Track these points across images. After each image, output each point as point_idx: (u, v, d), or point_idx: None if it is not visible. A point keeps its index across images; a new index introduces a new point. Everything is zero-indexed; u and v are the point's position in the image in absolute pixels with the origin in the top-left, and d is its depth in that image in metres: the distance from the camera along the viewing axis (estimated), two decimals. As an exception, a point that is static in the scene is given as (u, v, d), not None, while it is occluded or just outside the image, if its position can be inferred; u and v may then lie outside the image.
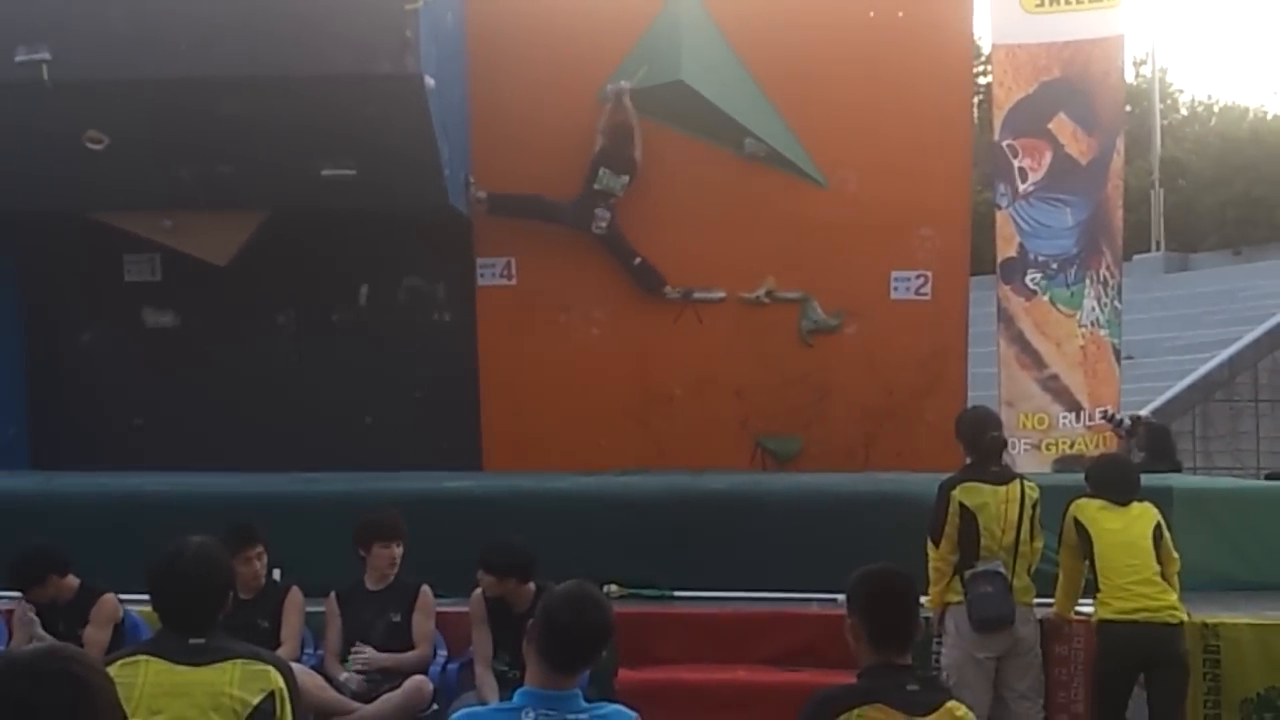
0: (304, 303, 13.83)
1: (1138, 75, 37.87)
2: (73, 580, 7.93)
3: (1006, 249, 13.59)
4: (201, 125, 11.71)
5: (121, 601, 7.91)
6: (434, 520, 9.18)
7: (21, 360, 13.98)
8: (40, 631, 7.75)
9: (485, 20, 13.16)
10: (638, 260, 13.36)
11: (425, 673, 8.12)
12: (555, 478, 11.15)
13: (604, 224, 13.13)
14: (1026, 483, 7.97)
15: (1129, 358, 16.42)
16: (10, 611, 8.19)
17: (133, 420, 13.60)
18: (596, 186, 13.04)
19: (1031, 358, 13.51)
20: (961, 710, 4.25)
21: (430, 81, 11.58)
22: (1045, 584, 8.27)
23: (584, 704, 4.05)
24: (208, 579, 4.34)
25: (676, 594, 9.42)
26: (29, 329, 14.02)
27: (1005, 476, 7.94)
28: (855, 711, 4.14)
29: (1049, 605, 8.30)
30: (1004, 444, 8.44)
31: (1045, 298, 13.51)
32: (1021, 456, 13.02)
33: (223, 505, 9.45)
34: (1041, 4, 13.47)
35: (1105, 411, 13.44)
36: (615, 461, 12.66)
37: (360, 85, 11.46)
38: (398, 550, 8.24)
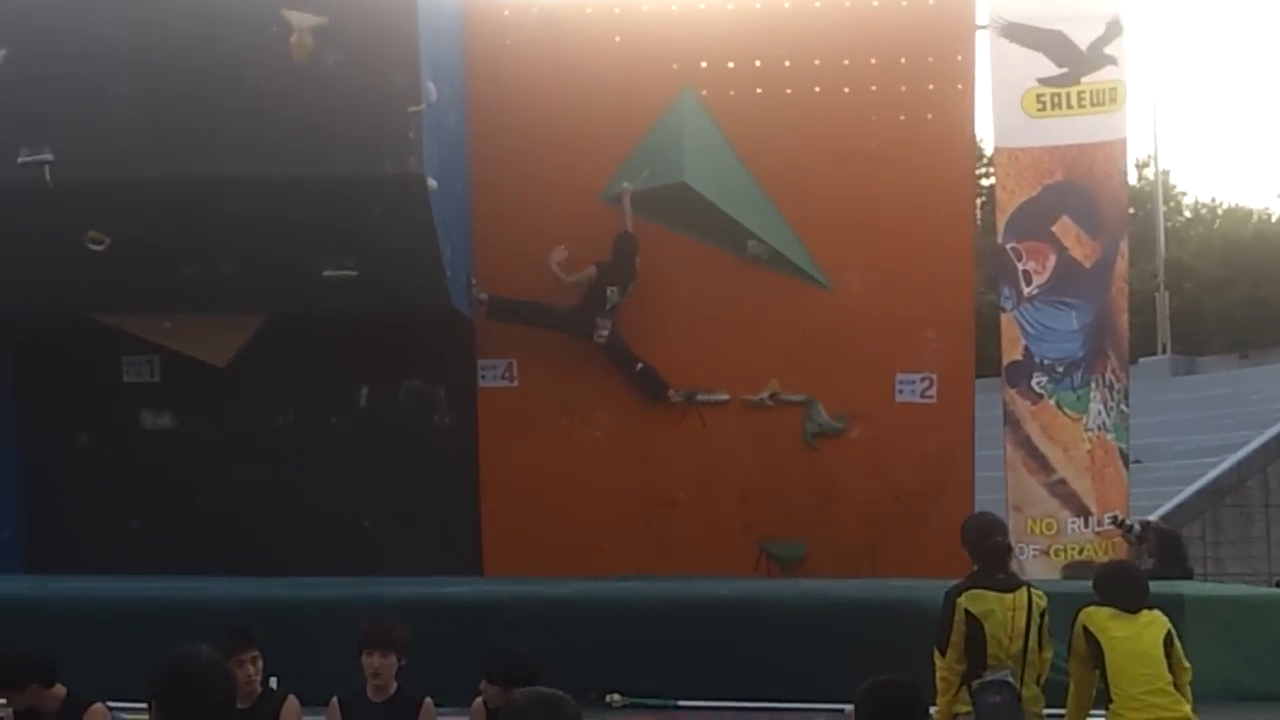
0: (303, 405, 13.75)
1: (1140, 178, 38.04)
2: (59, 690, 7.74)
3: (1012, 352, 13.53)
4: (203, 225, 11.71)
5: (111, 709, 7.73)
6: (434, 626, 9.04)
7: (17, 461, 13.87)
8: None
9: (488, 121, 13.19)
10: (639, 366, 13.30)
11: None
12: (557, 583, 11.01)
13: (605, 333, 13.09)
14: (1034, 590, 7.82)
15: (1137, 462, 16.31)
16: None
17: (129, 522, 13.45)
18: (608, 306, 13.00)
19: (1038, 462, 13.40)
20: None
21: (433, 183, 11.58)
22: (1055, 694, 8.09)
23: None
24: (220, 684, 4.22)
25: (680, 703, 9.25)
26: (25, 429, 13.92)
27: (1012, 584, 7.79)
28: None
29: (1060, 716, 8.11)
30: (1010, 550, 8.29)
31: (1051, 401, 13.42)
32: (1030, 562, 12.87)
33: (219, 610, 9.33)
34: (1044, 108, 13.51)
35: (1115, 517, 13.30)
36: (618, 566, 12.51)
37: (363, 186, 11.47)
38: (383, 661, 8.01)
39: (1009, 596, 7.68)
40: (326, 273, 11.97)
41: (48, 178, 11.41)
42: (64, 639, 8.57)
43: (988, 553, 7.80)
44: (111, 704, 7.73)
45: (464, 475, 13.40)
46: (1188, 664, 7.81)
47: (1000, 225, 13.67)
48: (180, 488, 13.45)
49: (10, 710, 7.73)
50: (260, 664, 7.93)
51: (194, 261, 12.08)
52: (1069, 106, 13.50)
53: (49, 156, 11.44)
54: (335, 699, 8.11)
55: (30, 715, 7.71)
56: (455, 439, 13.56)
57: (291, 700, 8.00)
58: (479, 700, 7.78)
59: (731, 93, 13.46)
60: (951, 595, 7.70)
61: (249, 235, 11.81)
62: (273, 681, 8.11)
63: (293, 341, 13.23)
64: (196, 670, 4.19)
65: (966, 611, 7.61)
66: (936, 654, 7.71)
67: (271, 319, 13.05)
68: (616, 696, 9.01)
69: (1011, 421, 13.51)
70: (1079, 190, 13.57)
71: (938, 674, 7.68)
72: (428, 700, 8.07)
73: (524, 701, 3.99)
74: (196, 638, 4.51)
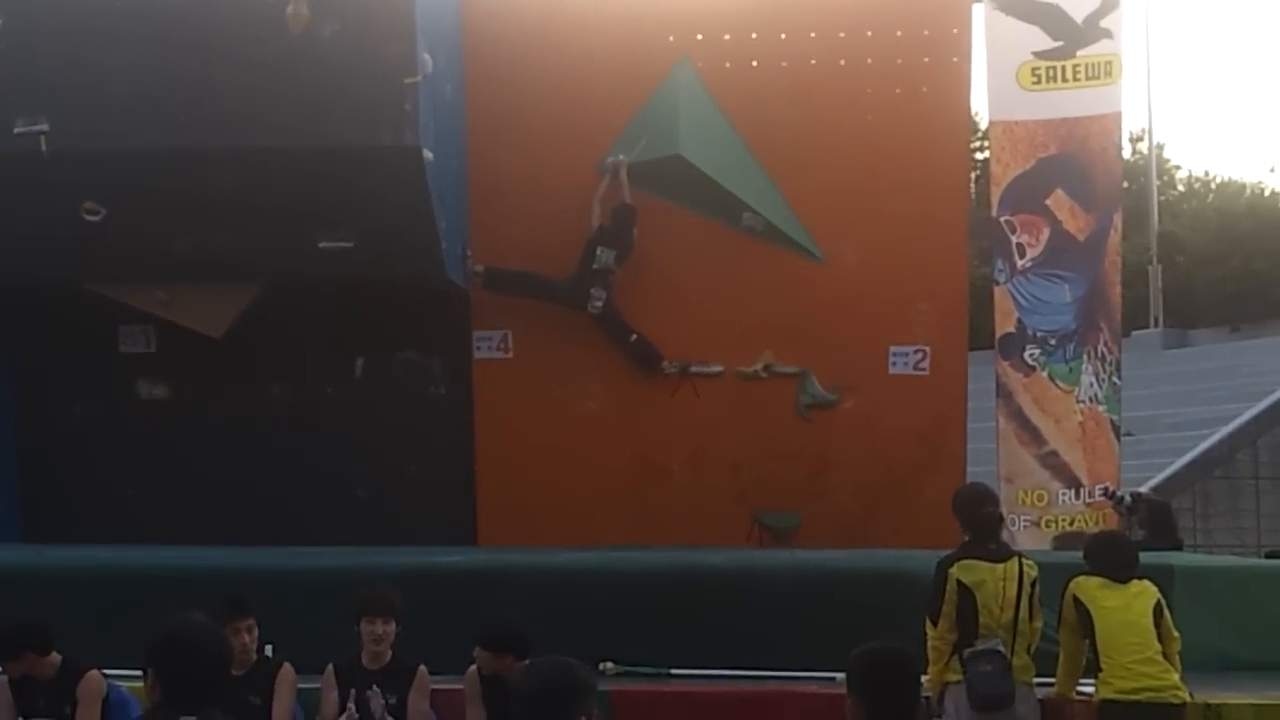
0: (299, 375, 13.77)
1: (1134, 151, 38.04)
2: (55, 658, 7.80)
3: (1005, 324, 13.58)
4: (199, 196, 11.72)
5: (108, 677, 7.80)
6: (429, 596, 9.09)
7: (13, 431, 13.90)
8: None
9: (484, 93, 13.20)
10: (634, 337, 13.33)
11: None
12: (551, 553, 11.06)
13: (599, 303, 13.11)
14: (1025, 560, 7.89)
15: (1128, 434, 16.38)
16: (-2, 684, 8.07)
17: (125, 492, 13.48)
18: (595, 266, 13.02)
19: (1030, 434, 13.45)
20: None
21: (428, 154, 11.60)
22: (1045, 663, 8.17)
23: None
24: (216, 650, 4.26)
25: (673, 671, 9.31)
26: (21, 399, 13.95)
27: (1003, 554, 7.86)
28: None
29: (1050, 685, 8.19)
30: (1001, 520, 8.37)
31: (1044, 374, 13.47)
32: (1021, 533, 12.94)
33: (216, 579, 9.37)
34: (1039, 81, 13.53)
35: (1106, 488, 13.37)
36: (612, 536, 12.57)
37: (359, 157, 11.49)
38: (384, 627, 8.09)
39: (1000, 566, 7.75)
40: (322, 244, 11.98)
41: (43, 148, 11.42)
42: (61, 608, 8.61)
43: (980, 523, 7.88)
44: (108, 672, 7.80)
45: (459, 446, 13.45)
46: (1177, 633, 7.90)
47: (994, 198, 13.70)
48: (176, 457, 13.48)
49: (6, 678, 7.79)
50: (255, 632, 8.01)
51: (189, 232, 12.09)
52: (1064, 80, 13.51)
53: (44, 127, 11.45)
54: (331, 666, 8.20)
55: (26, 683, 7.79)
56: (450, 410, 13.60)
57: (286, 668, 8.09)
58: (472, 668, 7.87)
59: (727, 65, 13.47)
60: (943, 565, 7.78)
61: (245, 206, 11.82)
62: (268, 649, 8.19)
63: (288, 312, 13.24)
64: (191, 636, 4.23)
65: (958, 581, 7.70)
66: (928, 623, 7.80)
67: (267, 290, 13.06)
68: (610, 665, 9.07)
69: (1004, 393, 13.55)
70: (1073, 163, 13.59)
71: (929, 643, 7.77)
72: (422, 668, 8.15)
73: (543, 666, 4.03)
74: (193, 606, 4.56)
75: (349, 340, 13.70)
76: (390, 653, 8.11)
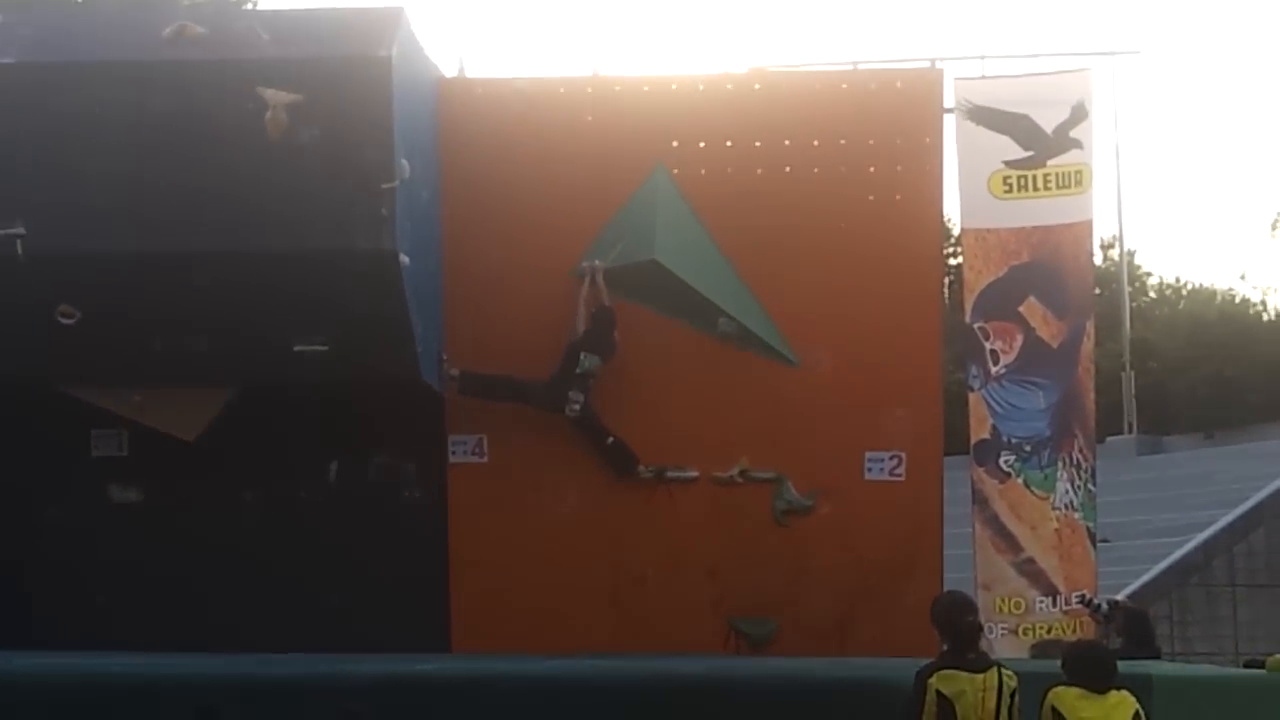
0: (272, 479, 13.65)
1: (1106, 258, 38.33)
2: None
3: (979, 431, 13.62)
4: (175, 299, 11.72)
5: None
6: (404, 704, 8.98)
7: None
8: None
9: (461, 197, 13.26)
10: (610, 441, 13.30)
11: None
12: (526, 661, 10.95)
13: (578, 406, 13.09)
14: (1005, 670, 7.83)
15: (1104, 540, 16.37)
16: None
17: (95, 596, 13.32)
18: (579, 371, 13.02)
19: (1006, 541, 13.45)
20: None
21: (405, 259, 11.64)
22: (1024, 775, 8.08)
23: None
24: None
25: (648, 783, 9.20)
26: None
27: (983, 664, 7.80)
28: None
29: (1028, 798, 8.09)
30: (981, 630, 8.31)
31: (1019, 480, 13.51)
32: (998, 641, 12.89)
33: (186, 687, 9.24)
34: (1010, 189, 13.69)
35: (1083, 596, 13.34)
36: (587, 642, 12.46)
37: (335, 261, 11.52)
38: None
39: (980, 676, 7.68)
40: (298, 347, 11.97)
41: (19, 251, 11.42)
42: (27, 716, 8.48)
43: (959, 632, 7.81)
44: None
45: (433, 550, 13.34)
46: (1156, 745, 7.81)
47: (968, 305, 13.79)
48: (147, 562, 13.32)
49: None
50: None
51: (165, 334, 12.07)
52: (1035, 189, 13.67)
53: (21, 230, 11.46)
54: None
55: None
56: (425, 514, 13.50)
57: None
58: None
59: (703, 171, 13.56)
60: (923, 675, 7.70)
61: (221, 309, 11.82)
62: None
63: (263, 415, 13.18)
64: None
65: (938, 692, 7.61)
66: (906, 734, 7.70)
67: (241, 393, 13.02)
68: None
69: (979, 500, 13.57)
70: (1046, 271, 13.72)
71: (908, 754, 7.67)
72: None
73: None
74: (165, 716, 4.50)
75: (323, 443, 13.62)
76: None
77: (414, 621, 13.04)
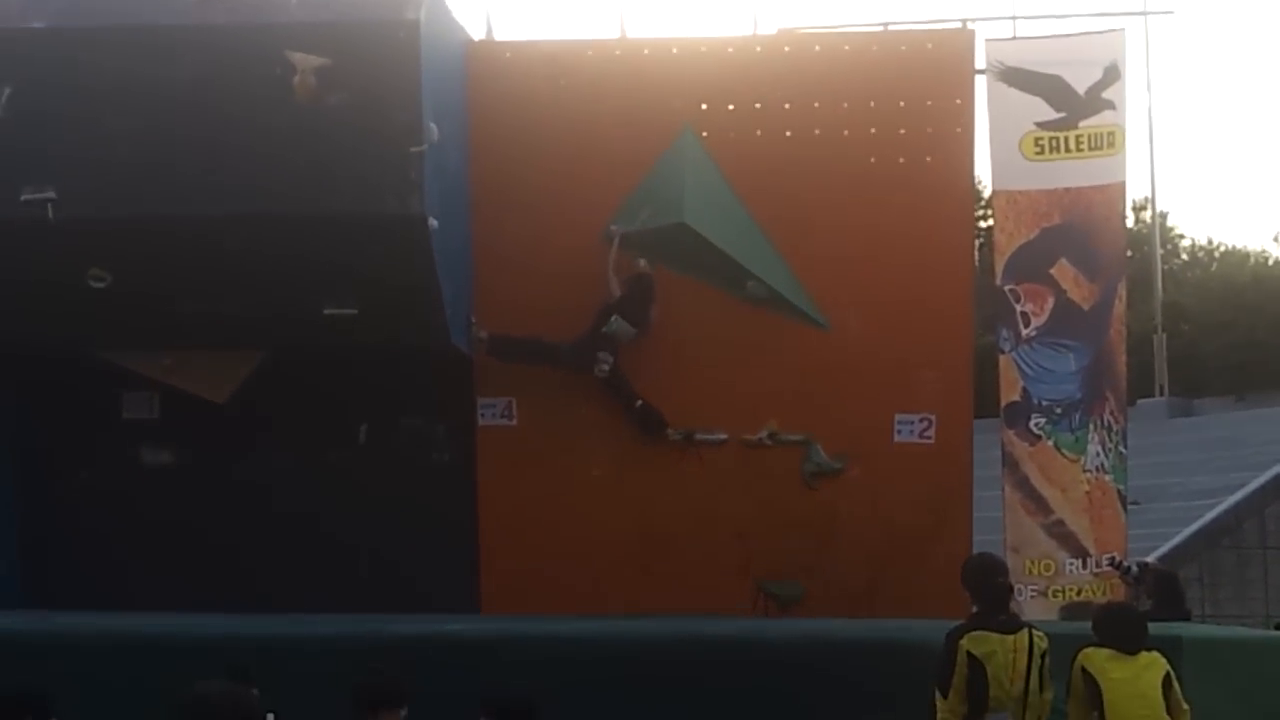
0: (302, 442, 13.71)
1: (1138, 220, 38.17)
2: (53, 727, 7.72)
3: (1010, 393, 13.58)
4: (204, 263, 11.76)
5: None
6: (433, 664, 9.04)
7: (17, 497, 13.85)
8: None
9: (489, 161, 13.25)
10: (639, 403, 13.31)
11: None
12: (555, 621, 11.00)
13: (606, 367, 13.10)
14: (1035, 632, 7.84)
15: (1135, 503, 16.34)
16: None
17: (128, 558, 13.43)
18: (605, 330, 13.02)
19: (1036, 503, 13.42)
20: None
21: (433, 222, 11.64)
22: (1054, 736, 8.10)
23: None
24: (247, 712, 4.30)
25: (677, 743, 9.24)
26: (23, 466, 13.91)
27: (1014, 625, 7.81)
28: None
29: (1058, 758, 8.11)
30: (1011, 591, 8.32)
31: (1049, 443, 13.46)
32: (1028, 604, 12.87)
33: (218, 647, 9.31)
34: (1042, 151, 13.60)
35: (1112, 558, 13.32)
36: (616, 604, 12.51)
37: (364, 225, 11.53)
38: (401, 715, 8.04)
39: (1011, 638, 7.70)
40: (327, 310, 12.01)
41: (50, 215, 11.47)
42: (64, 675, 8.57)
43: (990, 594, 7.83)
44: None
45: (462, 512, 13.40)
46: (1186, 705, 7.84)
47: (999, 267, 13.73)
48: (179, 524, 13.44)
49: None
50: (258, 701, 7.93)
51: (195, 299, 12.12)
52: (1067, 150, 13.58)
53: (51, 195, 11.50)
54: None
55: (24, 752, 7.71)
56: (454, 477, 13.56)
57: (291, 738, 8.01)
58: (476, 739, 7.79)
59: (732, 135, 13.51)
60: (953, 636, 7.72)
61: (250, 273, 11.86)
62: (270, 718, 8.12)
63: (293, 378, 13.25)
64: (223, 699, 4.28)
65: (969, 653, 7.63)
66: (937, 695, 7.73)
67: (272, 355, 13.09)
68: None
69: (1010, 462, 13.54)
70: (1077, 233, 13.64)
71: (938, 715, 7.71)
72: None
73: None
74: (196, 675, 4.54)
75: (353, 406, 13.69)
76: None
77: (444, 582, 13.12)
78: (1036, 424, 13.46)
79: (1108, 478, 13.56)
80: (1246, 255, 44.21)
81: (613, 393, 13.31)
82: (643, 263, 13.16)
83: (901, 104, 13.45)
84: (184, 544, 13.36)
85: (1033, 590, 13.24)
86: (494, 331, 13.20)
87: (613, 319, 13.02)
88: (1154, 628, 8.47)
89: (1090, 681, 7.80)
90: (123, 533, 13.53)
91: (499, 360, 13.28)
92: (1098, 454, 13.50)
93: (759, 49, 13.89)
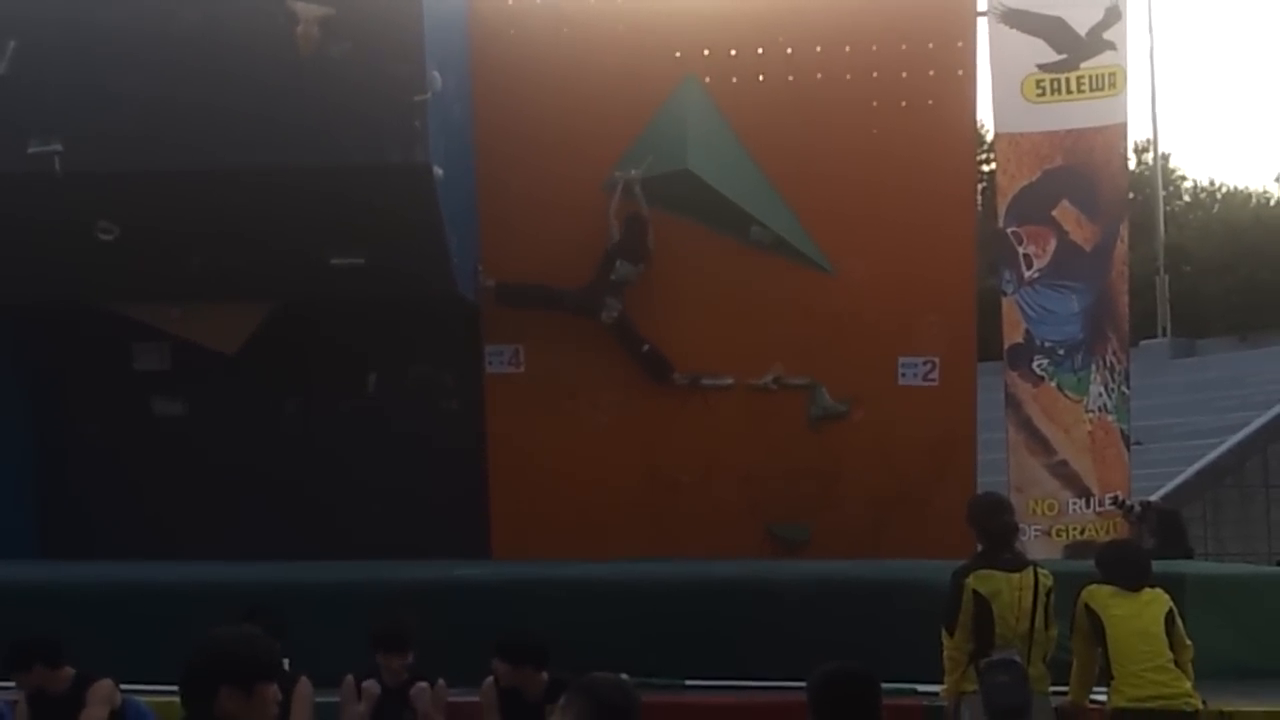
0: (312, 390, 13.82)
1: (1139, 162, 38.09)
2: (67, 671, 7.83)
3: (1013, 335, 13.63)
4: (211, 215, 11.80)
5: (123, 691, 7.83)
6: (445, 608, 9.14)
7: (30, 449, 13.95)
8: None
9: (493, 110, 13.27)
10: (645, 348, 13.39)
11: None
12: (564, 565, 11.11)
13: (614, 313, 13.17)
14: (1040, 570, 7.92)
15: (1137, 443, 16.42)
16: (17, 701, 8.13)
17: (140, 508, 13.53)
18: (614, 278, 13.09)
19: (1040, 444, 13.50)
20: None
21: (439, 171, 11.68)
22: (1058, 672, 8.20)
23: None
24: (268, 652, 4.37)
25: (687, 683, 9.35)
26: (37, 417, 14.01)
27: (1019, 564, 7.89)
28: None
29: (1063, 694, 8.22)
30: (1016, 530, 8.40)
31: (1052, 384, 13.52)
32: (1032, 543, 12.96)
33: (230, 593, 9.41)
34: (1043, 93, 13.59)
35: (1116, 498, 13.41)
36: (623, 548, 12.62)
37: (369, 175, 11.56)
38: (400, 661, 8.14)
39: (1016, 576, 7.77)
40: (334, 260, 12.08)
41: (57, 168, 11.51)
42: (77, 624, 8.68)
43: (995, 532, 7.90)
44: (124, 687, 7.85)
45: (472, 459, 13.50)
46: (1189, 641, 7.91)
47: (1001, 210, 13.76)
48: (191, 473, 13.54)
49: (24, 695, 7.84)
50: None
51: (202, 250, 12.17)
52: (1068, 92, 13.58)
53: (58, 147, 11.53)
54: (350, 678, 8.24)
55: (40, 698, 7.84)
56: (463, 424, 13.65)
57: (303, 681, 8.15)
58: (489, 679, 7.92)
59: (734, 80, 13.54)
60: (959, 575, 7.80)
61: (257, 224, 11.91)
62: (285, 662, 8.22)
63: (301, 328, 13.33)
64: (231, 643, 4.34)
65: (974, 591, 7.71)
66: (944, 633, 7.82)
67: (280, 306, 13.16)
68: (624, 676, 9.09)
69: (1013, 404, 13.61)
70: (1079, 175, 13.66)
71: (945, 653, 7.80)
72: (440, 682, 8.20)
73: (597, 681, 4.10)
74: (211, 621, 4.62)
75: (362, 355, 13.77)
76: (406, 673, 8.18)
77: (454, 528, 13.23)
78: (1039, 365, 13.52)
79: (1110, 418, 13.63)
80: (1248, 196, 44.10)
81: (620, 338, 13.39)
82: (636, 178, 13.15)
83: (904, 47, 13.47)
84: (195, 493, 13.43)
85: (1036, 530, 13.34)
86: (500, 279, 13.26)
87: (618, 264, 13.08)
88: (1157, 565, 8.55)
89: (1094, 618, 7.88)
90: (134, 483, 13.61)
91: (506, 307, 13.34)
92: (1100, 394, 13.57)
93: (761, -7, 13.87)
